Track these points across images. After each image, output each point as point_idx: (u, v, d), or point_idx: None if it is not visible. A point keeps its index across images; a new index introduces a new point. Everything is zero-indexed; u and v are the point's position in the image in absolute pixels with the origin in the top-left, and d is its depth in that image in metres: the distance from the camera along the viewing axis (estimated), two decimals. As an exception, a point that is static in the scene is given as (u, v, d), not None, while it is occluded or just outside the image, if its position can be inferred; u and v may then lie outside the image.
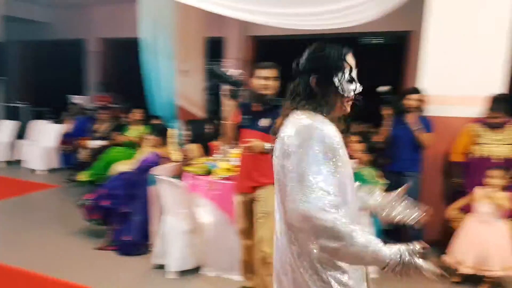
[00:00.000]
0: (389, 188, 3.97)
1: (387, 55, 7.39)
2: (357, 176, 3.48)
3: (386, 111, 3.90)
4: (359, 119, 5.54)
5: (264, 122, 2.72)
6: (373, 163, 3.75)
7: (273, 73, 2.71)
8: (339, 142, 1.28)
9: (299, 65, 1.40)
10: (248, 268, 2.94)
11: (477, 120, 3.71)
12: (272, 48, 7.14)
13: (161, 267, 3.34)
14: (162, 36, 5.31)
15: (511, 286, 3.29)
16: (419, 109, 3.80)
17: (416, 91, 3.84)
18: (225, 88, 2.83)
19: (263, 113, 2.75)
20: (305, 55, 1.39)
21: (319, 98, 1.34)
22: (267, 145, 2.61)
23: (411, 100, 3.79)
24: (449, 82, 3.89)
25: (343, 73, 1.34)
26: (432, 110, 3.88)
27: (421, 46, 4.01)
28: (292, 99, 1.39)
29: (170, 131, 3.98)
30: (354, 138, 4.27)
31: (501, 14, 3.72)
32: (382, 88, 3.89)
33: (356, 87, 1.36)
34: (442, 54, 3.89)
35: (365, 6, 4.53)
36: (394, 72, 6.46)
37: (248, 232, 2.88)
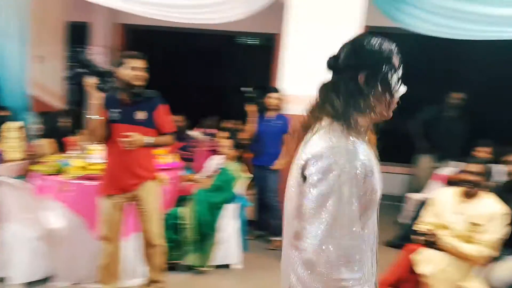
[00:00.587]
0: (253, 181, 4.17)
1: (261, 55, 7.70)
2: (224, 171, 3.56)
3: (250, 108, 4.05)
4: (227, 116, 5.68)
5: (140, 115, 2.64)
6: (239, 158, 3.86)
7: (144, 63, 2.64)
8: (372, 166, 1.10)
9: (339, 60, 1.16)
10: (110, 274, 2.78)
11: None
12: (143, 38, 6.84)
13: (1, 280, 2.94)
14: (11, 16, 4.64)
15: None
16: (279, 107, 4.04)
17: (276, 90, 4.08)
18: (91, 78, 2.58)
19: (136, 105, 2.65)
20: (348, 48, 1.16)
21: (365, 99, 1.12)
22: (147, 139, 2.60)
23: (271, 99, 4.00)
24: (306, 83, 4.20)
25: (396, 70, 1.15)
26: (292, 109, 4.15)
27: (282, 48, 4.26)
28: (323, 103, 1.15)
29: (6, 125, 3.49)
30: (222, 134, 4.35)
31: (354, 22, 4.14)
32: (245, 88, 4.06)
33: (402, 87, 1.18)
34: (300, 56, 4.18)
35: (235, 4, 4.63)
36: (266, 71, 6.76)
37: (113, 237, 2.72)
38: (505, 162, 3.06)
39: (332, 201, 1.03)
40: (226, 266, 3.48)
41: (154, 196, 2.76)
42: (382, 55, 1.14)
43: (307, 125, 1.18)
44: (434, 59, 6.33)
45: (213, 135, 4.91)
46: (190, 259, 3.33)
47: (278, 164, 3.98)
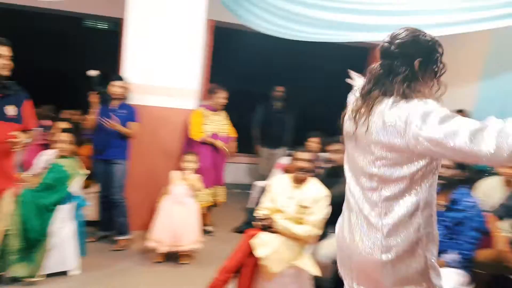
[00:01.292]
0: (95, 177, 3.87)
1: (110, 41, 7.16)
2: (55, 168, 3.18)
3: (93, 97, 3.72)
4: (70, 106, 5.13)
5: (11, 110, 2.38)
6: (76, 152, 3.51)
7: (10, 50, 2.34)
8: None
9: (393, 47, 1.41)
10: None
11: (203, 105, 4.25)
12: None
13: None
14: None
15: (200, 256, 3.75)
16: (123, 96, 3.81)
17: (119, 78, 3.82)
18: None
19: (5, 99, 2.37)
20: (403, 37, 1.40)
21: (417, 82, 1.38)
22: (27, 138, 2.39)
23: (115, 87, 3.75)
24: (149, 72, 4.07)
25: (441, 57, 1.43)
26: (135, 99, 3.96)
27: (124, 35, 4.03)
28: (385, 83, 1.40)
29: None
30: (59, 125, 3.91)
31: (196, 14, 4.12)
32: (92, 72, 3.73)
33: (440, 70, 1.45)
34: (142, 45, 4.01)
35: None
36: (114, 58, 6.31)
37: None
38: (329, 151, 3.45)
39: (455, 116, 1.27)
40: (63, 273, 3.15)
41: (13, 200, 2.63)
42: (433, 45, 1.42)
43: (366, 96, 1.43)
44: (276, 56, 6.80)
45: (47, 127, 4.35)
46: (16, 269, 2.91)
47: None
